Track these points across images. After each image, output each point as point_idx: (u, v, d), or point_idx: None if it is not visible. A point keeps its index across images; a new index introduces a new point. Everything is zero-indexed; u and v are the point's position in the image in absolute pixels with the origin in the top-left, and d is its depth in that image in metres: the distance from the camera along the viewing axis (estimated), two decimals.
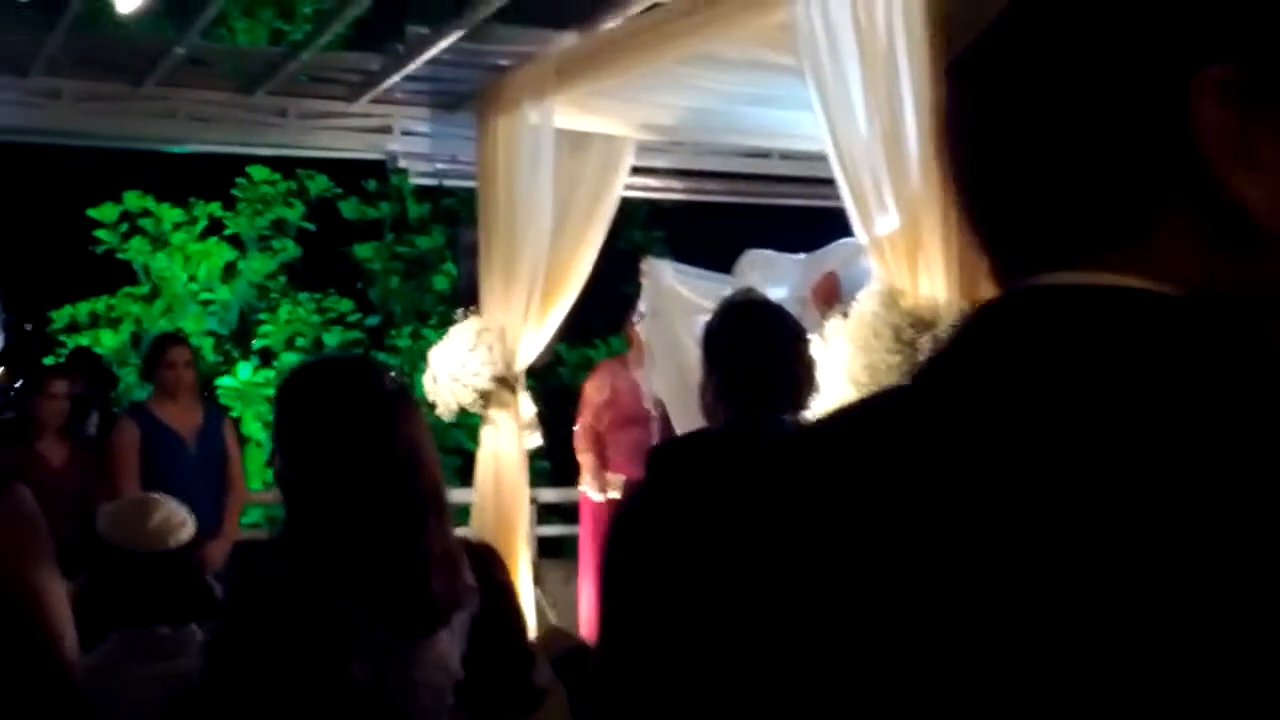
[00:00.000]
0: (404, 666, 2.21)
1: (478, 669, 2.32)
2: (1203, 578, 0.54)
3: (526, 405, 6.20)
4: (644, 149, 6.59)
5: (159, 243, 9.85)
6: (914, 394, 0.68)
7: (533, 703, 2.49)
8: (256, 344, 9.90)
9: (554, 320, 6.16)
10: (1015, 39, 0.65)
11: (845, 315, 3.83)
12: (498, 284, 6.11)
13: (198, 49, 6.03)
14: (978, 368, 0.65)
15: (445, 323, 6.94)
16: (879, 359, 3.67)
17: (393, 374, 2.44)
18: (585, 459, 6.43)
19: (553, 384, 9.86)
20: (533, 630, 4.34)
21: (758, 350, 2.47)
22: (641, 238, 10.58)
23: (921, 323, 3.67)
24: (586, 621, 6.05)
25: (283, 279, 10.25)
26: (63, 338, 9.71)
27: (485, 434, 6.24)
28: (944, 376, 0.67)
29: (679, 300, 6.07)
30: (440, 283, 10.26)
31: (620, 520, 2.41)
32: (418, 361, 8.48)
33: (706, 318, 2.64)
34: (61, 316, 9.88)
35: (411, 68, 5.86)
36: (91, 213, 9.82)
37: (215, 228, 10.02)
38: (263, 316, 10.02)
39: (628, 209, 8.29)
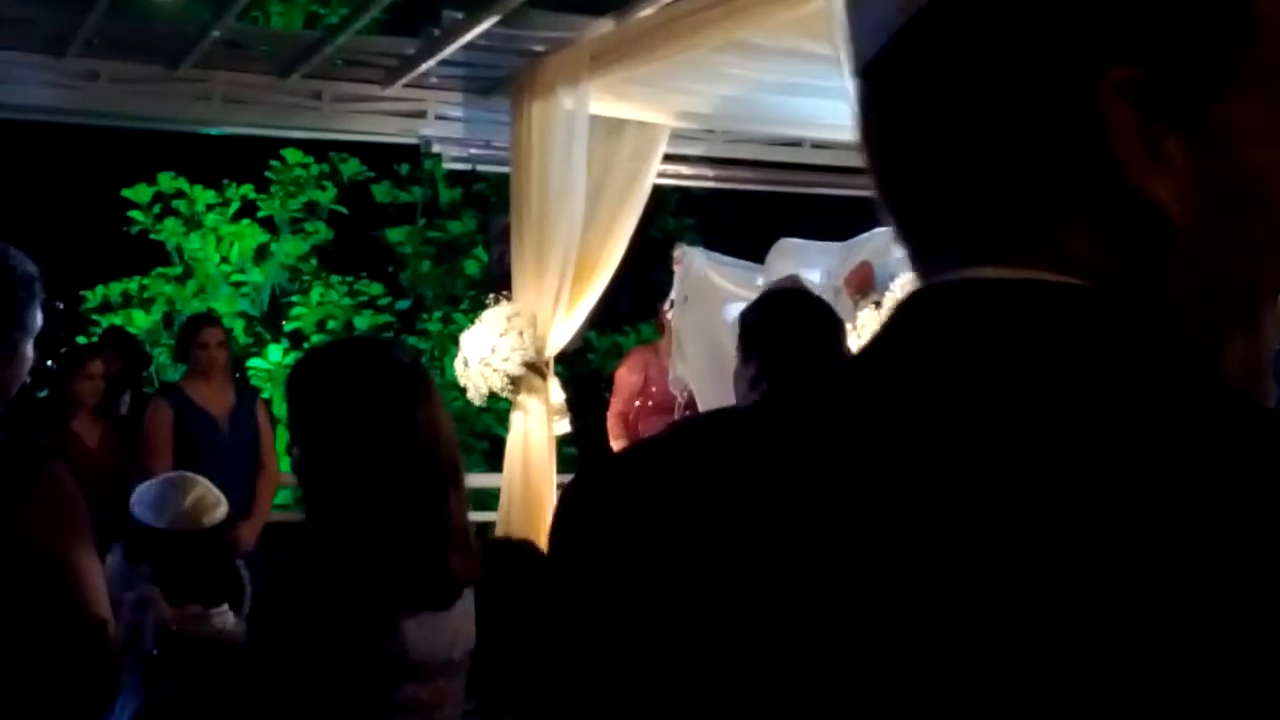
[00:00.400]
0: (434, 638, 2.22)
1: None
2: (1107, 571, 0.53)
3: (556, 391, 6.22)
4: (676, 136, 6.57)
5: (192, 224, 9.88)
6: (820, 398, 0.67)
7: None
8: (288, 326, 9.93)
9: (585, 306, 6.16)
10: (926, 38, 0.64)
11: (878, 305, 3.83)
12: (529, 269, 6.11)
13: (233, 32, 6.04)
14: (876, 370, 0.65)
15: (476, 307, 6.95)
16: None
17: (406, 350, 2.44)
18: (618, 445, 6.43)
19: (581, 370, 9.86)
20: None
21: (798, 338, 2.47)
22: (673, 225, 10.56)
23: None
24: None
25: (314, 261, 10.27)
26: (95, 317, 9.76)
27: (515, 419, 6.24)
28: (851, 382, 0.66)
29: (711, 287, 6.06)
30: (471, 267, 10.27)
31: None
32: (448, 346, 8.49)
33: (739, 305, 2.64)
34: (94, 296, 9.93)
35: (446, 52, 5.85)
36: (126, 193, 9.86)
37: (248, 210, 10.05)
38: (294, 299, 10.04)
39: (659, 196, 8.27)
